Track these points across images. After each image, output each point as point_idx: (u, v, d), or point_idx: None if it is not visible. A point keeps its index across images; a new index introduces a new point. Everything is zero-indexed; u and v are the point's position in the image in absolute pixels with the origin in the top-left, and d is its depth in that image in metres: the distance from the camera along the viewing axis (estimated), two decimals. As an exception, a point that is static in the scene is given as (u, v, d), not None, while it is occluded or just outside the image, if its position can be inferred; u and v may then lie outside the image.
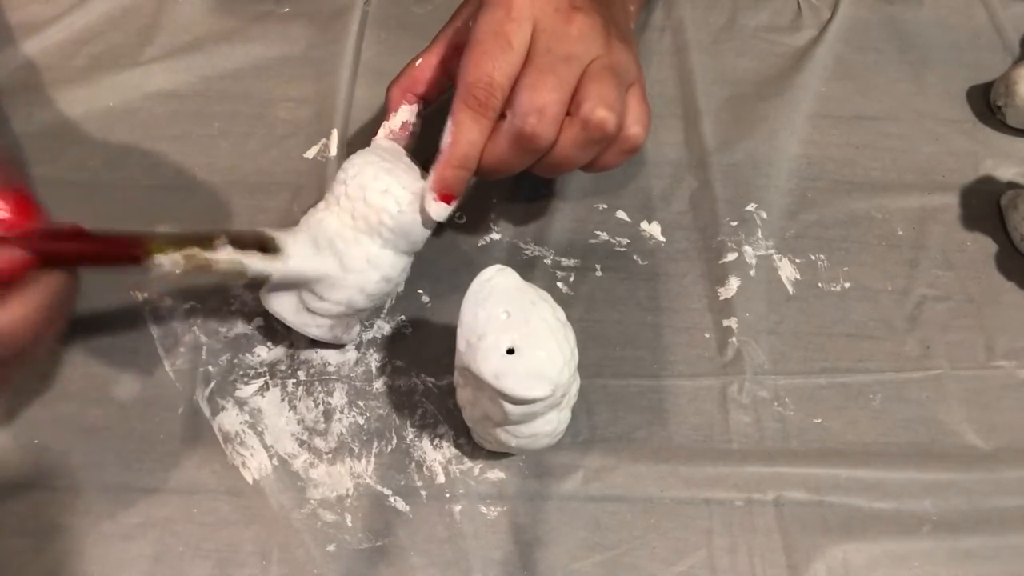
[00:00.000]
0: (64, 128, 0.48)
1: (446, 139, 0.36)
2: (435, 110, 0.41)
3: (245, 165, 0.48)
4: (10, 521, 0.38)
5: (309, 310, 0.38)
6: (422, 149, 0.40)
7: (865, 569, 0.38)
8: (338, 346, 0.42)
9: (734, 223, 0.47)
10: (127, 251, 0.34)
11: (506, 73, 0.36)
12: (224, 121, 0.49)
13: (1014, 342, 0.45)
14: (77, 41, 0.51)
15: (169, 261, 0.34)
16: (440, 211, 0.37)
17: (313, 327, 0.39)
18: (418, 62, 0.41)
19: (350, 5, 0.53)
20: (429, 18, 0.54)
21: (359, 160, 0.38)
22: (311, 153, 0.48)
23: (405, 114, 0.41)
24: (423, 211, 0.37)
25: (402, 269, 0.39)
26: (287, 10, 0.54)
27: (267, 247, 0.36)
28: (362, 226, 0.37)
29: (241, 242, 0.36)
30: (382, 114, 0.49)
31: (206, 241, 0.35)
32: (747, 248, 0.46)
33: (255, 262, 0.36)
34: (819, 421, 0.42)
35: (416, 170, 0.39)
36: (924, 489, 0.40)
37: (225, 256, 0.35)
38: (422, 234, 0.38)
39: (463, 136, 0.36)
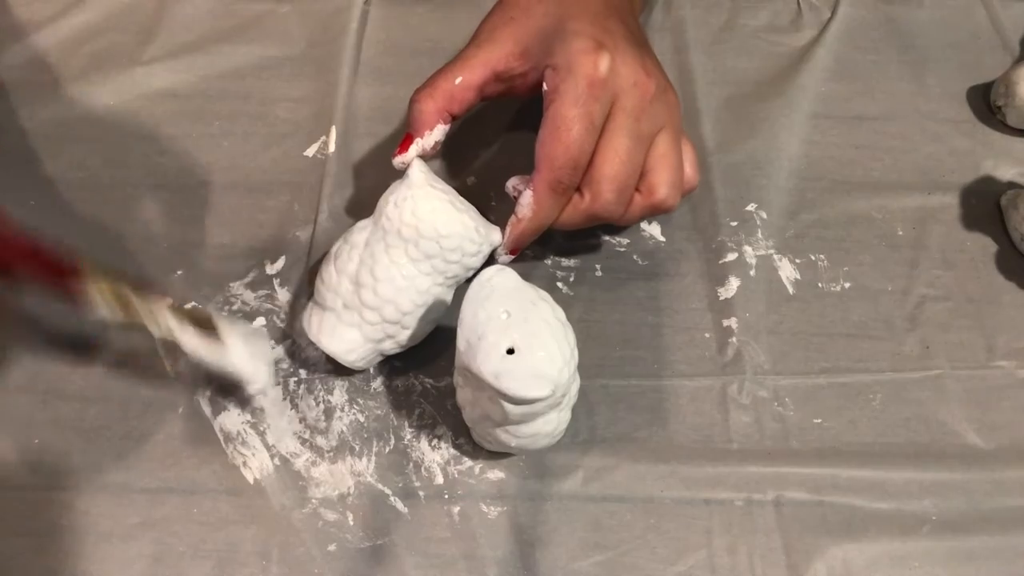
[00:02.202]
0: (64, 127, 0.48)
1: (525, 211, 0.39)
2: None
3: (245, 164, 0.48)
4: (10, 521, 0.38)
5: (378, 343, 0.39)
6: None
7: (865, 569, 0.38)
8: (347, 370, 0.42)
9: (734, 223, 0.47)
10: (62, 274, 0.33)
11: (588, 153, 0.38)
12: (224, 120, 0.49)
13: (1014, 342, 0.45)
14: (77, 40, 0.51)
15: (102, 300, 0.34)
16: (508, 260, 0.41)
17: (351, 352, 0.39)
18: (458, 80, 0.39)
19: (349, 4, 0.53)
20: (428, 17, 0.54)
21: (455, 223, 0.38)
22: (311, 151, 0.48)
23: (439, 134, 0.40)
24: (491, 258, 0.41)
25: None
26: (287, 9, 0.54)
27: (206, 326, 0.37)
28: (449, 280, 0.40)
29: (182, 312, 0.36)
30: (383, 112, 0.50)
31: (142, 289, 0.35)
32: (747, 248, 0.46)
33: (188, 336, 0.36)
34: (819, 421, 0.42)
35: (472, 208, 0.40)
36: (924, 489, 0.40)
37: (156, 312, 0.35)
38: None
39: (544, 212, 0.39)
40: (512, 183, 0.40)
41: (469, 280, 0.40)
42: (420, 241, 0.37)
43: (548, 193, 0.38)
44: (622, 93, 0.38)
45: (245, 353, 0.37)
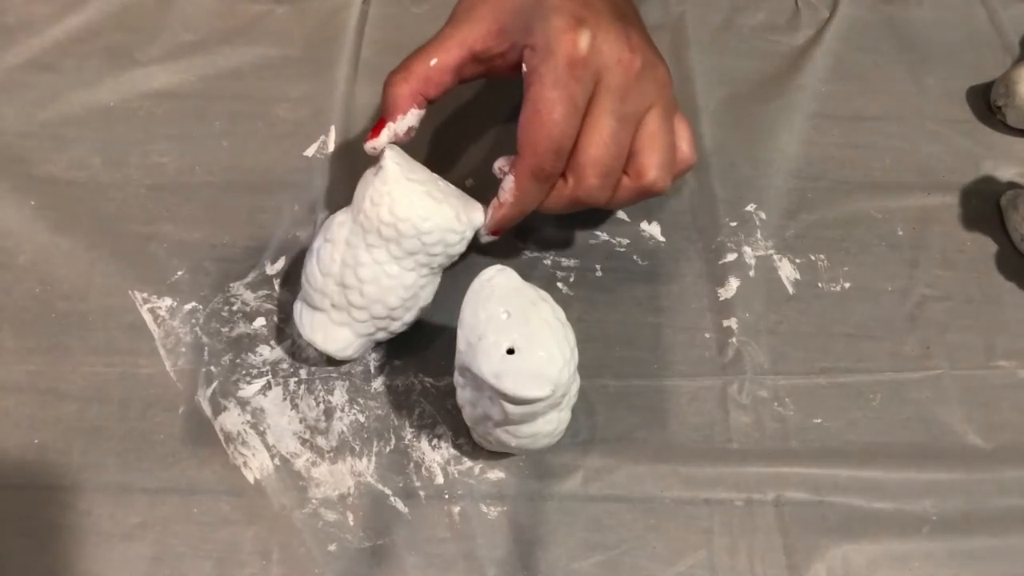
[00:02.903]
0: (64, 128, 0.48)
1: (507, 196, 0.38)
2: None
3: (245, 164, 0.48)
4: (10, 521, 0.38)
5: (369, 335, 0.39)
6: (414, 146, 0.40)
7: (865, 569, 0.38)
8: (342, 361, 0.42)
9: (734, 223, 0.47)
10: None
11: (571, 137, 0.36)
12: (224, 120, 0.49)
13: (1014, 342, 0.45)
14: (77, 40, 0.51)
15: None
16: (490, 239, 0.40)
17: (346, 349, 0.39)
18: (433, 62, 0.38)
19: (347, 3, 0.53)
20: (426, 17, 0.54)
21: (434, 216, 0.37)
22: (310, 151, 0.48)
23: (413, 119, 0.38)
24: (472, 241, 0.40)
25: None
26: (286, 9, 0.54)
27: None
28: (435, 269, 0.39)
29: None
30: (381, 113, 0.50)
31: None
32: (747, 248, 0.46)
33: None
34: (819, 421, 0.42)
35: (452, 188, 0.39)
36: (924, 489, 0.40)
37: None
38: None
39: (526, 198, 0.38)
40: (499, 164, 0.39)
41: (456, 264, 0.40)
42: (401, 240, 0.37)
43: (530, 180, 0.37)
44: (605, 71, 0.36)
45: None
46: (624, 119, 0.37)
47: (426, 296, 0.40)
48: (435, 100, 0.39)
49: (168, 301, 0.43)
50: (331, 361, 0.40)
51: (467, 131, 0.49)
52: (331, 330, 0.39)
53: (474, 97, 0.50)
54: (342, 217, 0.38)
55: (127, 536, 0.38)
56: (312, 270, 0.38)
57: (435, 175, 0.39)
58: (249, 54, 0.52)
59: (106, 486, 0.39)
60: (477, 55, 0.38)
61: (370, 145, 0.38)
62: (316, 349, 0.39)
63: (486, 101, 0.50)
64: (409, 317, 0.40)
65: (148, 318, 0.43)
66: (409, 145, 0.39)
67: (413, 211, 0.36)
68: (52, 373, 0.41)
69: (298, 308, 0.40)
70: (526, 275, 0.36)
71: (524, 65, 0.37)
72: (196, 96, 0.50)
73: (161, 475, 0.39)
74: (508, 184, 0.38)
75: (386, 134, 0.38)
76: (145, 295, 0.43)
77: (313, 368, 0.42)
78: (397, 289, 0.38)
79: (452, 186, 0.39)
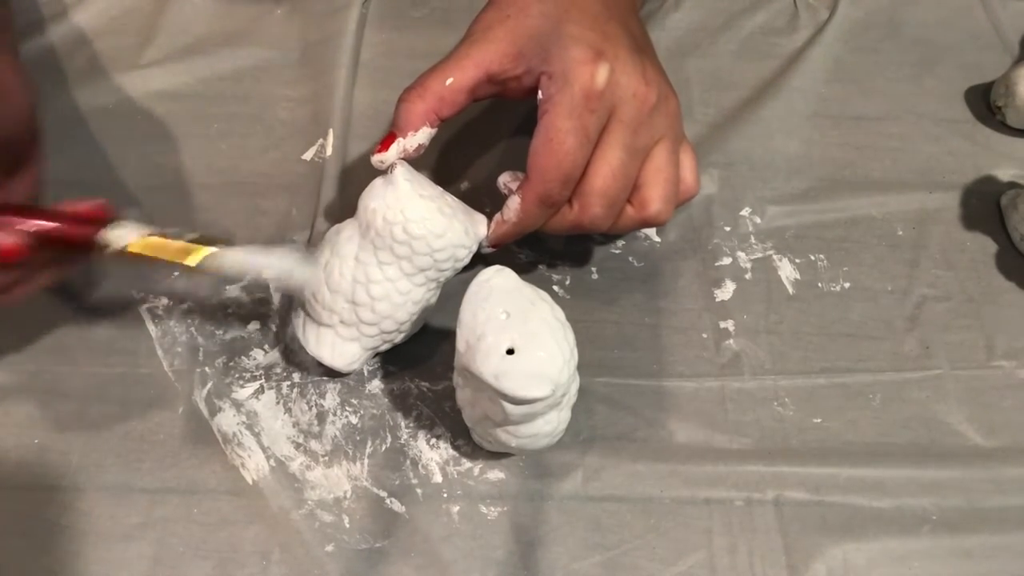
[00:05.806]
0: (64, 129, 0.48)
1: (510, 214, 0.38)
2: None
3: (244, 166, 0.48)
4: (10, 521, 0.38)
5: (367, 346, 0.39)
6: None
7: (865, 569, 0.38)
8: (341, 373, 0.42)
9: (730, 225, 0.47)
10: (83, 230, 0.34)
11: (581, 167, 0.37)
12: (223, 122, 0.49)
13: (1014, 342, 0.45)
14: (76, 41, 0.51)
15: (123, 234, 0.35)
16: (490, 251, 0.40)
17: (353, 364, 0.39)
18: (448, 81, 0.37)
19: (347, 5, 0.53)
20: (426, 21, 0.54)
21: (447, 233, 0.37)
22: (308, 155, 0.48)
23: (423, 137, 0.38)
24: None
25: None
26: (285, 11, 0.54)
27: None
28: (441, 282, 0.39)
29: (207, 239, 0.36)
30: (381, 115, 0.50)
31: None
32: (744, 249, 0.46)
33: (223, 255, 0.36)
34: (819, 421, 0.42)
35: (457, 202, 0.39)
36: (924, 489, 0.40)
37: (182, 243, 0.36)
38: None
39: (529, 220, 0.38)
40: (503, 180, 0.39)
41: (459, 274, 0.40)
42: (414, 257, 0.37)
43: (536, 204, 0.37)
44: (620, 104, 0.36)
45: (278, 253, 0.37)
46: (634, 152, 0.37)
47: (430, 308, 0.40)
48: (448, 119, 0.39)
49: (165, 301, 0.43)
50: (324, 366, 0.40)
51: (468, 137, 0.49)
52: (339, 346, 0.39)
53: (479, 105, 0.50)
54: (349, 231, 0.38)
55: (127, 536, 0.38)
56: (319, 287, 0.38)
57: (441, 189, 0.39)
58: (248, 56, 0.52)
59: (106, 486, 0.39)
60: (492, 76, 0.38)
61: (378, 159, 0.38)
62: (322, 363, 0.39)
63: (491, 110, 0.50)
64: (413, 329, 0.40)
65: (147, 317, 0.43)
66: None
67: (427, 229, 0.36)
68: (52, 373, 0.41)
69: (300, 322, 0.40)
70: (521, 278, 0.35)
71: (540, 91, 0.37)
72: (194, 98, 0.50)
73: (161, 475, 0.39)
74: (513, 204, 0.38)
75: (395, 149, 0.37)
76: (143, 295, 0.43)
77: (306, 372, 0.42)
78: (408, 305, 0.38)
79: (456, 199, 0.39)
